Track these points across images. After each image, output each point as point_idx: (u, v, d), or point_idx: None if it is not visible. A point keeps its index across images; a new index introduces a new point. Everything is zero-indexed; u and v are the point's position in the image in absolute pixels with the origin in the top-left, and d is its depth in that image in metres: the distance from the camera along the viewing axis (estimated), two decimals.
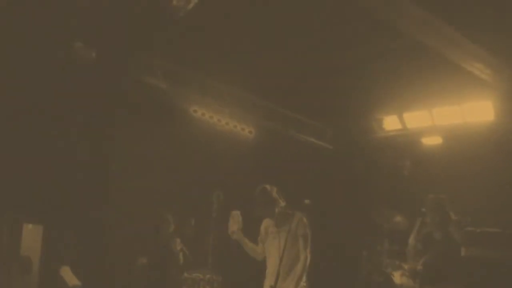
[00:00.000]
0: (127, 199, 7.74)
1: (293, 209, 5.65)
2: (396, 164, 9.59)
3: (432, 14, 6.26)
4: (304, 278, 5.47)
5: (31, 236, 7.09)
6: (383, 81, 8.50)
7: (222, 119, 8.90)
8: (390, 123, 9.53)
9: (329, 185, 9.70)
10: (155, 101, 7.89)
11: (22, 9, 6.08)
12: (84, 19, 6.41)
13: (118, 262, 7.69)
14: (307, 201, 5.80)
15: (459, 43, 6.82)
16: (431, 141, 9.19)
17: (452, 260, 5.47)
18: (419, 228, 6.91)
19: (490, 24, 6.55)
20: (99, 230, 7.60)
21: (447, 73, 7.62)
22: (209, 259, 7.14)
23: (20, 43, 6.40)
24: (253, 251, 5.79)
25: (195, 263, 7.41)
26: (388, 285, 8.23)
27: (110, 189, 7.78)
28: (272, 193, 5.67)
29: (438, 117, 8.86)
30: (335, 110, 9.41)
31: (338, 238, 9.41)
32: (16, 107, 6.94)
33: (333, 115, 9.63)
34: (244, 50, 7.69)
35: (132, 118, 7.76)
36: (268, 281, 5.55)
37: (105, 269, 7.48)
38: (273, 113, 9.30)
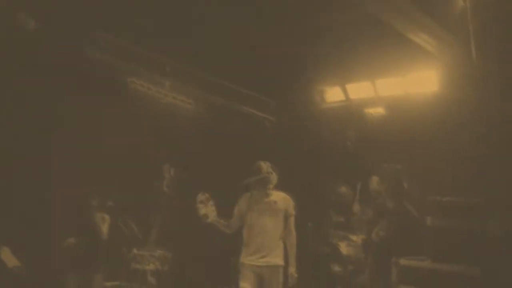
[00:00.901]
0: (67, 175, 7.34)
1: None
2: (340, 135, 9.61)
3: None
4: None
5: None
6: (326, 53, 8.43)
7: (161, 90, 8.59)
8: (333, 94, 9.53)
9: (273, 157, 9.58)
10: (94, 72, 7.50)
11: None
12: None
13: (55, 242, 7.31)
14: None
15: (404, 13, 6.78)
16: (374, 112, 9.25)
17: (411, 230, 5.50)
18: (360, 194, 6.96)
19: None
20: (37, 209, 7.18)
21: (390, 43, 7.61)
22: (158, 235, 6.89)
23: None
24: (226, 227, 5.74)
25: (144, 240, 7.19)
26: (335, 255, 8.29)
27: (49, 164, 7.34)
28: (267, 169, 5.70)
29: (381, 88, 8.93)
30: (278, 82, 9.28)
31: None
32: None
33: (275, 87, 9.49)
34: (186, 21, 7.43)
35: (72, 89, 7.32)
36: (248, 255, 5.47)
37: (43, 250, 7.08)
38: (214, 85, 9.06)
